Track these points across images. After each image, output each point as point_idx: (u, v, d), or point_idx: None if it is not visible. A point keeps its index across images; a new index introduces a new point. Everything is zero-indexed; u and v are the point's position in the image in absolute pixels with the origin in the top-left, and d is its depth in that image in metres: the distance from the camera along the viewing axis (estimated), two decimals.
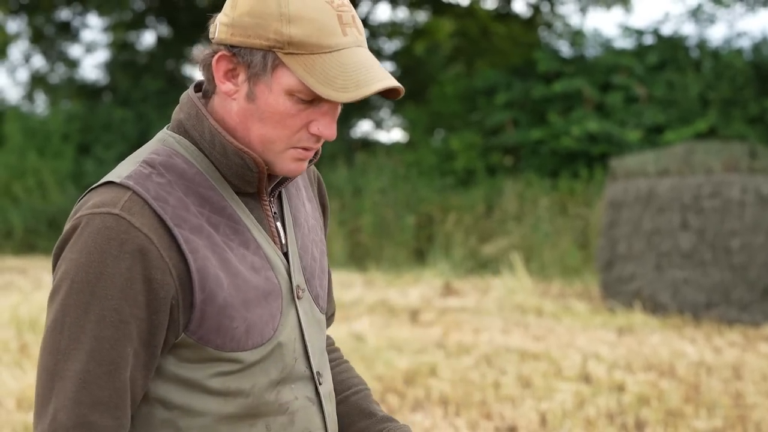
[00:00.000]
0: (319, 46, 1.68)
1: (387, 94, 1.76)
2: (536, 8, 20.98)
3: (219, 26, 1.74)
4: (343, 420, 2.02)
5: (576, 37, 19.11)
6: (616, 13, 31.20)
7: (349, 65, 1.68)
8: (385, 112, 23.92)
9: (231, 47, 1.72)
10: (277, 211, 1.89)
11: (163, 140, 1.79)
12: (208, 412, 1.74)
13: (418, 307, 10.90)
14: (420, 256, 15.36)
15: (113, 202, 1.66)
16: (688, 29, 19.94)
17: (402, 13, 23.75)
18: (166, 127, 1.83)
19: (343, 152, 19.25)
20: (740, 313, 10.16)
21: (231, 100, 1.75)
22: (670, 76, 17.08)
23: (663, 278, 10.51)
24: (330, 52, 1.68)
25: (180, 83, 21.90)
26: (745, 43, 17.91)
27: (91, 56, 37.91)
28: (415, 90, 21.31)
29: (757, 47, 17.57)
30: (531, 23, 21.13)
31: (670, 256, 10.50)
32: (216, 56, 1.73)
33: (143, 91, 20.18)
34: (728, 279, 10.23)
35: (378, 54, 24.22)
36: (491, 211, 15.94)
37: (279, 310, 1.81)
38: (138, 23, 21.75)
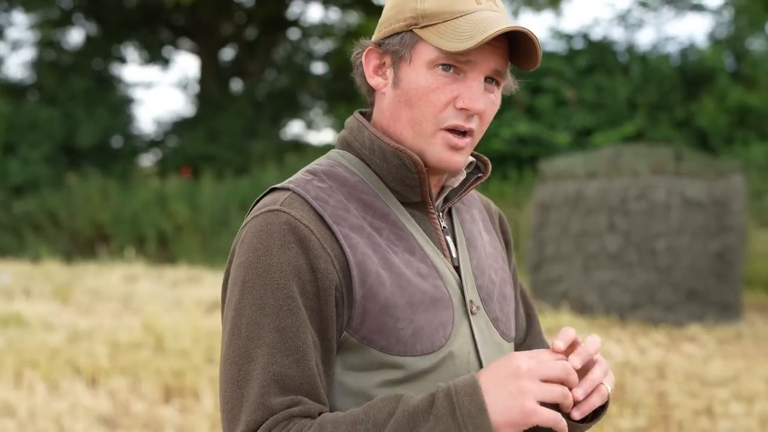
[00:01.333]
0: (452, 12, 1.67)
1: (520, 64, 1.75)
2: None
3: (374, 35, 1.77)
4: None
5: None
6: (547, 17, 31.53)
7: (479, 20, 1.67)
8: (316, 113, 23.87)
9: (378, 44, 1.74)
10: (447, 227, 1.84)
11: (328, 155, 1.81)
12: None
13: None
14: None
15: (273, 201, 1.67)
16: (617, 34, 20.19)
17: (334, 15, 23.73)
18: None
19: (273, 153, 19.16)
20: (665, 313, 10.28)
21: (382, 95, 1.75)
22: (598, 80, 17.26)
23: (590, 280, 10.60)
24: (462, 15, 1.67)
25: (108, 83, 21.63)
26: (672, 48, 18.19)
27: (16, 54, 37.29)
28: (345, 91, 21.29)
29: (684, 52, 17.84)
30: None
31: (597, 257, 10.59)
32: (364, 52, 1.75)
33: (70, 90, 19.90)
34: (654, 280, 10.35)
35: (309, 55, 24.17)
36: None
37: (451, 319, 1.72)
38: (65, 21, 21.45)
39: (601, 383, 1.66)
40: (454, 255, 1.81)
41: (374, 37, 1.76)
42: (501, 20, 1.67)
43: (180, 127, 21.88)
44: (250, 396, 1.60)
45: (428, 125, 1.71)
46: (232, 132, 19.62)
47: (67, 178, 18.25)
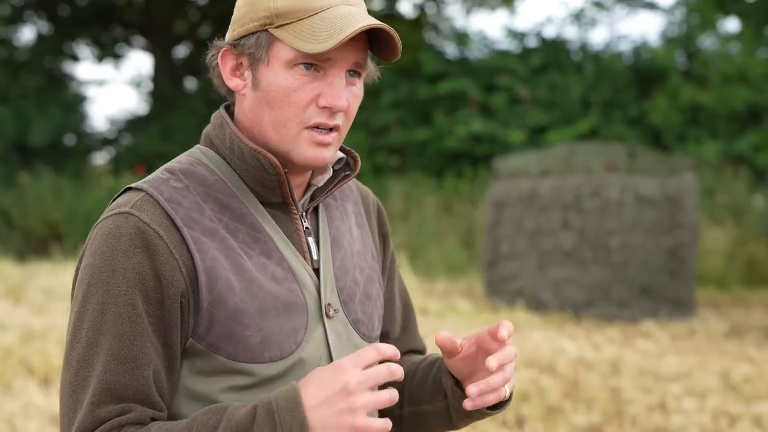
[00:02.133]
0: (305, 10, 1.65)
1: (381, 54, 1.75)
2: (422, 9, 21.08)
3: (229, 33, 1.75)
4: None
5: (461, 38, 19.28)
6: (501, 16, 31.60)
7: (336, 18, 1.65)
8: None
9: (232, 44, 1.72)
10: (310, 227, 1.82)
11: (190, 152, 1.79)
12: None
13: None
14: None
15: (125, 203, 1.65)
16: (571, 32, 20.28)
17: None
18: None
19: None
20: (619, 310, 10.36)
21: (242, 97, 1.73)
22: (552, 78, 17.36)
23: (545, 277, 10.65)
24: (317, 13, 1.65)
25: (60, 80, 21.41)
26: (625, 47, 18.32)
27: None
28: None
29: (636, 50, 17.98)
30: (417, 24, 21.21)
31: (551, 255, 10.64)
32: (219, 54, 1.73)
33: (21, 88, 19.67)
34: (608, 277, 10.42)
35: None
36: None
37: (303, 325, 1.72)
38: (16, 18, 21.19)
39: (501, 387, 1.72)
40: (315, 257, 1.78)
41: (228, 37, 1.73)
42: (358, 17, 1.66)
43: (133, 125, 21.71)
44: (84, 402, 1.59)
45: (292, 126, 1.69)
46: (186, 130, 19.49)
47: (19, 176, 18.04)
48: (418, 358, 2.05)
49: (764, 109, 15.92)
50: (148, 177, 1.73)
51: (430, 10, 21.19)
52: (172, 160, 1.79)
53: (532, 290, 10.70)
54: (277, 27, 1.66)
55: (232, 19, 1.73)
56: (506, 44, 18.70)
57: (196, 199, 1.69)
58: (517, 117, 17.05)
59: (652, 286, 10.41)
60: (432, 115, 17.50)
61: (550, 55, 17.91)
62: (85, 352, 1.61)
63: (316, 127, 1.71)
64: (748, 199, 14.55)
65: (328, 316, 1.75)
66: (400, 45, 1.72)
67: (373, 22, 1.65)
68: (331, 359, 1.73)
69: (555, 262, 10.61)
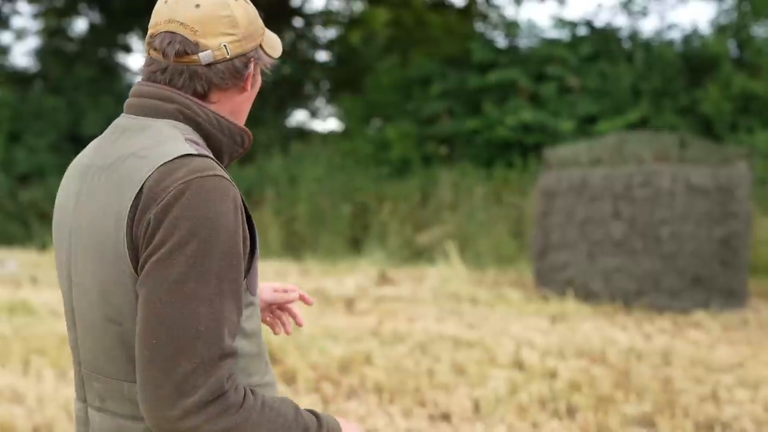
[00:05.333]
0: (264, 25, 2.13)
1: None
2: None
3: (228, 46, 2.04)
4: None
5: (510, 28, 19.23)
6: (551, 5, 31.39)
7: (268, 30, 2.16)
8: (320, 102, 23.89)
9: (247, 55, 2.08)
10: None
11: (176, 126, 2.02)
12: (246, 353, 1.98)
13: (353, 296, 10.92)
14: (355, 245, 15.38)
15: (211, 167, 1.90)
16: (621, 21, 20.16)
17: (337, 2, 23.71)
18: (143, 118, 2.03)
19: (278, 141, 19.19)
20: (670, 300, 10.32)
21: (240, 92, 2.10)
22: (602, 67, 17.27)
23: (595, 266, 10.64)
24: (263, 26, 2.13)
25: (113, 71, 21.65)
26: (675, 35, 18.19)
27: (21, 43, 37.25)
28: (350, 79, 21.29)
29: (687, 39, 17.83)
30: (466, 14, 21.21)
31: (602, 244, 10.62)
32: (252, 65, 2.08)
33: (75, 79, 19.92)
34: (658, 267, 10.38)
35: (313, 43, 24.17)
36: (426, 200, 16.01)
37: None
38: (70, 10, 21.46)
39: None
40: None
41: (240, 51, 2.06)
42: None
43: None
44: (208, 335, 1.81)
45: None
46: None
47: None
48: None
49: None
50: (184, 146, 1.95)
51: None
52: (177, 132, 2.00)
53: (583, 280, 10.69)
54: (263, 39, 2.11)
55: (237, 33, 2.06)
56: (556, 33, 18.64)
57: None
58: (567, 106, 16.99)
59: (703, 276, 10.36)
60: (481, 105, 17.48)
61: (599, 44, 17.82)
62: (207, 291, 1.82)
63: None
64: None
65: None
66: None
67: None
68: None
69: (605, 252, 10.59)
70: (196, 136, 2.03)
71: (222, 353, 1.82)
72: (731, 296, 10.47)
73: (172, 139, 1.96)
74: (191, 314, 1.81)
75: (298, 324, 2.49)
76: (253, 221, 1.98)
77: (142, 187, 1.87)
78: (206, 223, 1.84)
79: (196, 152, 1.92)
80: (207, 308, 1.82)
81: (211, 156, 1.96)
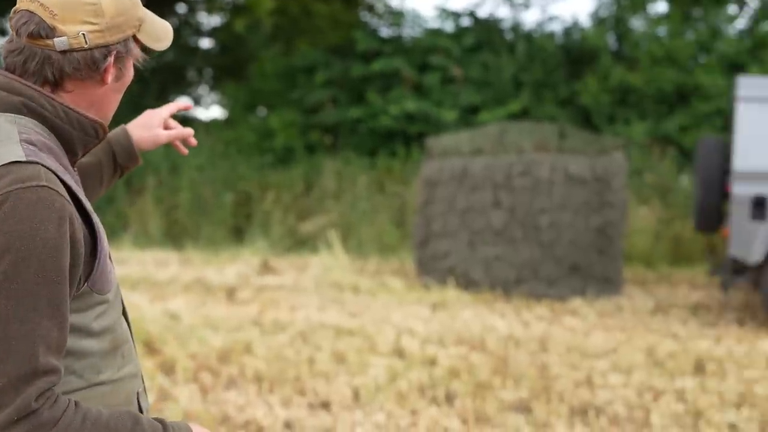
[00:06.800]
0: (144, 14, 2.07)
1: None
2: None
3: (88, 35, 1.97)
4: None
5: (395, 17, 19.30)
6: None
7: (161, 22, 2.12)
8: (203, 89, 23.63)
9: (109, 47, 2.01)
10: None
11: (16, 121, 1.94)
12: (94, 351, 1.96)
13: (235, 285, 10.85)
14: (238, 234, 15.27)
15: (36, 176, 1.83)
16: (504, 12, 20.39)
17: None
18: None
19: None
20: (548, 288, 10.51)
21: (101, 85, 2.03)
22: (485, 58, 17.45)
23: (476, 255, 10.76)
24: (145, 17, 2.07)
25: None
26: (557, 28, 18.47)
27: None
28: (234, 67, 21.11)
29: (567, 32, 18.12)
30: (351, 3, 21.20)
31: (482, 233, 10.75)
32: (111, 58, 2.01)
33: None
34: (537, 255, 10.56)
35: (197, 30, 23.90)
36: (310, 189, 15.98)
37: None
38: None
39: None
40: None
41: (102, 41, 1.99)
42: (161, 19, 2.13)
43: None
44: (19, 354, 1.76)
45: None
46: (118, 107, 19.30)
47: None
48: None
49: (691, 90, 16.17)
50: (18, 150, 1.87)
51: None
52: (16, 131, 1.92)
53: (463, 268, 10.80)
54: (140, 31, 2.05)
55: (100, 23, 1.98)
56: (440, 24, 18.75)
57: (58, 165, 1.92)
58: (450, 96, 17.12)
59: (580, 265, 10.57)
60: (365, 94, 17.51)
61: (482, 35, 17.99)
62: (23, 312, 1.77)
63: None
64: (675, 179, 14.80)
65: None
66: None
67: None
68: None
69: (486, 241, 10.72)
70: (39, 132, 1.96)
71: (34, 371, 1.77)
72: (607, 284, 10.71)
73: (5, 141, 1.89)
74: (1, 333, 1.77)
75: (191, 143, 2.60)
76: (95, 221, 1.94)
77: None
78: (23, 238, 1.78)
79: (25, 158, 1.84)
80: (18, 326, 1.77)
81: (45, 163, 1.86)
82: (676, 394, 6.47)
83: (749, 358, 7.65)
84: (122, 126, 2.51)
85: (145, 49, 2.10)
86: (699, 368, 7.21)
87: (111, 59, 2.00)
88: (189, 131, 2.60)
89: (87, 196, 2.34)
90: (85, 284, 1.92)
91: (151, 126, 2.54)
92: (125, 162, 2.53)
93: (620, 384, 6.73)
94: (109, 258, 2.05)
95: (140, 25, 2.04)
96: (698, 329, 8.90)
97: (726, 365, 7.33)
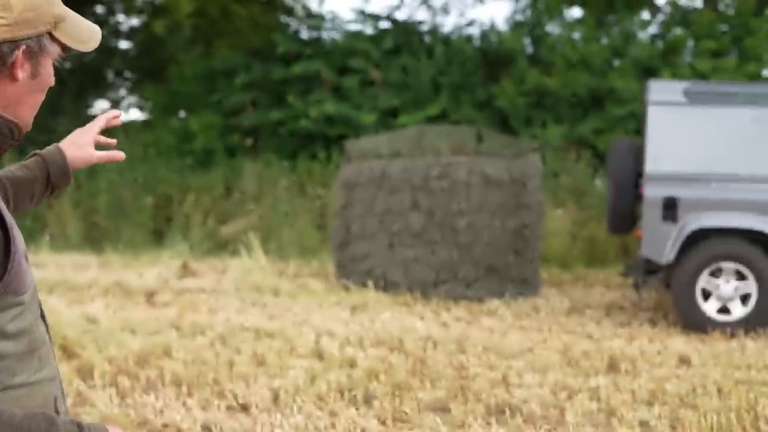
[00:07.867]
0: (65, 13, 2.05)
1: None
2: None
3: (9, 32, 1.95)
4: None
5: (315, 20, 19.34)
6: None
7: (84, 22, 2.10)
8: (122, 91, 23.42)
9: (17, 42, 1.97)
10: None
11: None
12: (9, 354, 1.94)
13: (154, 289, 10.80)
14: (158, 237, 15.19)
15: None
16: (422, 16, 20.55)
17: None
18: None
19: None
20: (466, 289, 10.64)
21: (13, 83, 1.99)
22: (404, 61, 17.57)
23: (394, 257, 10.85)
24: (66, 15, 2.06)
25: None
26: (474, 31, 18.64)
27: None
28: (153, 69, 20.96)
29: (485, 35, 18.31)
30: (271, 5, 21.18)
31: (401, 235, 10.85)
32: (19, 52, 1.97)
33: None
34: (455, 257, 10.68)
35: (115, 31, 23.67)
36: (230, 192, 15.96)
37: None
38: None
39: None
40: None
41: (10, 36, 1.96)
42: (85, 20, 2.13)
43: None
44: None
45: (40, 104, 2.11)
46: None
47: None
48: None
49: (605, 94, 16.46)
50: None
51: None
52: None
53: (382, 270, 10.89)
54: (56, 29, 2.03)
55: (8, 17, 1.95)
56: (359, 26, 18.83)
57: None
58: (369, 99, 17.21)
59: (498, 266, 10.72)
60: (285, 97, 17.53)
61: (401, 38, 18.11)
62: None
63: None
64: (590, 182, 15.07)
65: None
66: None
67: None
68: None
69: (404, 243, 10.82)
70: None
71: None
72: (524, 285, 10.87)
73: None
74: None
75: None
76: (8, 221, 1.94)
77: None
78: None
79: None
80: None
81: None
82: (590, 393, 6.62)
83: (661, 356, 7.86)
84: (56, 144, 2.51)
85: (66, 49, 2.08)
86: (612, 367, 7.38)
87: (18, 53, 1.95)
88: (120, 155, 2.57)
89: (16, 210, 2.34)
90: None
91: (83, 145, 2.52)
92: (58, 181, 2.50)
93: (536, 383, 6.86)
94: (26, 259, 2.03)
95: (57, 23, 2.01)
96: (612, 329, 9.10)
97: (638, 364, 7.52)
